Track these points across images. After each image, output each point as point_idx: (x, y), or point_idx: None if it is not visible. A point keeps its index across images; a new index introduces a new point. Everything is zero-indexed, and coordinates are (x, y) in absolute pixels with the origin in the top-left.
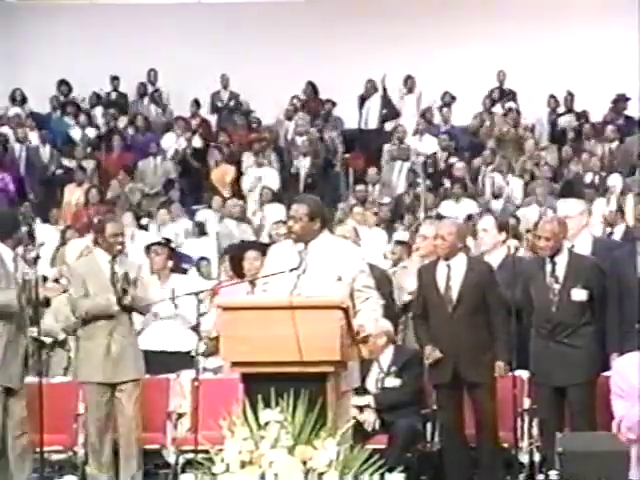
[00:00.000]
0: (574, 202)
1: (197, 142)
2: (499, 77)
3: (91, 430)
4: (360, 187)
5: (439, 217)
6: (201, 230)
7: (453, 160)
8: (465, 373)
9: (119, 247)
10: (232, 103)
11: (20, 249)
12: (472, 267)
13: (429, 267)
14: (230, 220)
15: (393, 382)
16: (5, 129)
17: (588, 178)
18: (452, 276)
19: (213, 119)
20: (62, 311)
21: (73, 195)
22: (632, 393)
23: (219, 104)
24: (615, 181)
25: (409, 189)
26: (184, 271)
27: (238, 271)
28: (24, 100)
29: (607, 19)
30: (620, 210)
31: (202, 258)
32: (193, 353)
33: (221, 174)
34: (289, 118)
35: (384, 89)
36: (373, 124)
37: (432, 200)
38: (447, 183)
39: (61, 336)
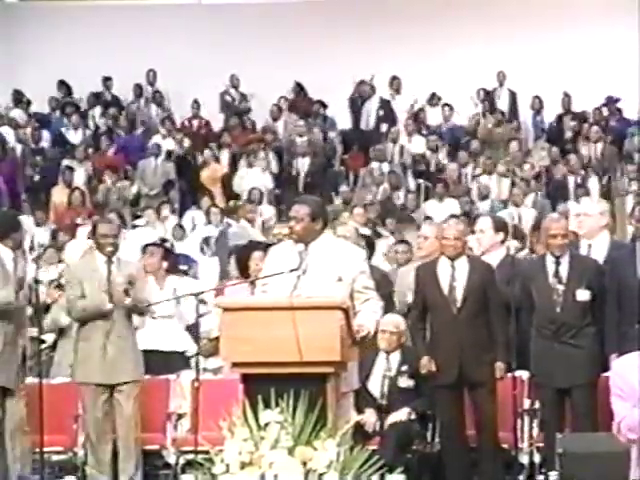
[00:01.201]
0: (595, 201)
1: (187, 143)
2: (499, 78)
3: (90, 430)
4: (344, 189)
5: (426, 218)
6: (182, 233)
7: (444, 161)
8: (469, 373)
9: (110, 248)
10: (242, 104)
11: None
12: (474, 267)
13: (428, 267)
14: (247, 224)
15: (407, 382)
16: (5, 129)
17: (572, 180)
18: (457, 277)
19: (219, 118)
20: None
21: (63, 196)
22: (632, 394)
23: (229, 103)
24: (593, 184)
25: (391, 190)
26: (184, 272)
27: (244, 272)
28: (29, 102)
29: (608, 19)
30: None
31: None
32: (188, 354)
33: (212, 173)
34: (274, 119)
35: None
36: (370, 124)
37: (415, 201)
38: (430, 183)
39: (65, 320)
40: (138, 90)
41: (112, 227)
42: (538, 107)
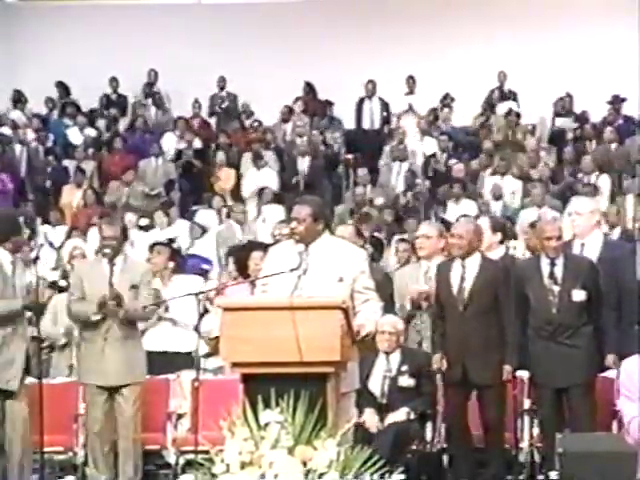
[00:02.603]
0: (585, 200)
1: (197, 143)
2: (500, 78)
3: (90, 430)
4: (359, 190)
5: (441, 219)
6: (203, 230)
7: (452, 161)
8: (473, 374)
9: (107, 250)
10: (230, 105)
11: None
12: (485, 267)
13: (444, 266)
14: (234, 223)
15: (407, 382)
16: (6, 129)
17: (585, 179)
18: (466, 276)
19: (212, 121)
20: (61, 314)
21: (73, 196)
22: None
23: (217, 106)
24: (603, 182)
25: (407, 190)
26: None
27: (243, 272)
28: (26, 101)
29: (608, 19)
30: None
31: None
32: (194, 354)
33: (224, 178)
34: (285, 120)
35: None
36: (375, 124)
37: (431, 201)
38: (446, 184)
39: (61, 341)
40: (148, 88)
41: (115, 229)
42: (569, 107)
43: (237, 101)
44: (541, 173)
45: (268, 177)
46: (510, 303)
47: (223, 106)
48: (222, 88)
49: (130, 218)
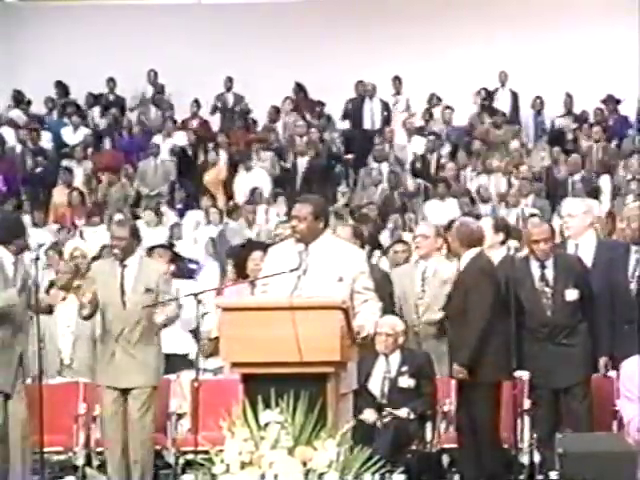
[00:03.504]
0: (578, 201)
1: (188, 142)
2: (500, 78)
3: (103, 430)
4: (344, 189)
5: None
6: (180, 232)
7: (443, 161)
8: (454, 371)
9: (116, 251)
10: (235, 106)
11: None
12: (467, 267)
13: None
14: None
15: (407, 382)
16: (5, 129)
17: (576, 178)
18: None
19: (216, 120)
20: None
21: (64, 197)
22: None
23: (222, 106)
24: (605, 182)
25: (391, 190)
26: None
27: (242, 272)
28: (29, 103)
29: (608, 19)
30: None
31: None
32: (191, 356)
33: (215, 176)
34: (272, 121)
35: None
36: (375, 125)
37: (417, 200)
38: (430, 183)
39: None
40: (161, 89)
41: (123, 230)
42: (539, 107)
43: (243, 101)
44: (523, 174)
45: (259, 178)
46: (480, 306)
47: (231, 107)
48: (229, 89)
49: (119, 218)
